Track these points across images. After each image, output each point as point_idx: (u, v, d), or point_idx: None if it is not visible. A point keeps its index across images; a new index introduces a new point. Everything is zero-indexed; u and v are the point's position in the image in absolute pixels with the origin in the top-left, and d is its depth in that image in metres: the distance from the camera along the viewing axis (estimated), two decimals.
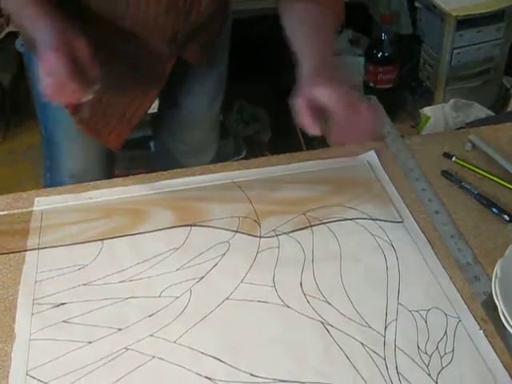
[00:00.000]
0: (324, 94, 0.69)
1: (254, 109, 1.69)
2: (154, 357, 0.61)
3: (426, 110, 1.43)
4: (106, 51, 0.78)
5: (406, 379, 0.60)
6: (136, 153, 1.64)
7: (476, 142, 0.90)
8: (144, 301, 0.67)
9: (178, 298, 0.67)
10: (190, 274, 0.70)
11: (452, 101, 1.45)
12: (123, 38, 0.85)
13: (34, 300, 0.67)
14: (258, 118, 1.70)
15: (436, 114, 1.44)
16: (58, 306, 0.66)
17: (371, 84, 1.61)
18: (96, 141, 1.00)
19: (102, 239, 0.74)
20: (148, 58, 0.83)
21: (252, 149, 1.62)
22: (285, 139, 1.61)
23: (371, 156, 0.88)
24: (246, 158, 1.54)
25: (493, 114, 1.42)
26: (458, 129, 1.30)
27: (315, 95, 0.69)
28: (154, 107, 1.09)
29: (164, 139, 1.22)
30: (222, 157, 0.81)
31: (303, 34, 0.83)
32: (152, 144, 1.30)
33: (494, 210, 0.80)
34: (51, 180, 1.11)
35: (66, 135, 1.04)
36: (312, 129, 0.69)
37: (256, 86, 0.90)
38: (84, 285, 0.69)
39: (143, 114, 0.96)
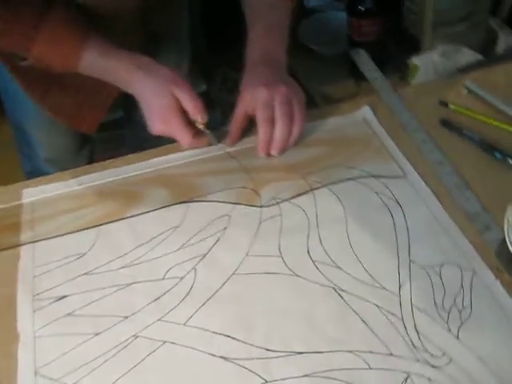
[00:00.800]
0: (254, 106, 0.76)
1: (237, 75, 1.65)
2: (164, 342, 0.59)
3: (414, 60, 1.39)
4: None
5: (426, 338, 0.58)
6: (112, 134, 1.60)
7: (472, 87, 0.87)
8: (148, 285, 0.64)
9: (182, 278, 0.65)
10: (193, 252, 0.67)
11: (440, 47, 1.41)
12: (97, 14, 0.81)
13: (34, 296, 0.64)
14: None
15: (424, 62, 1.39)
16: (60, 299, 0.64)
17: (355, 38, 1.57)
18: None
19: (98, 225, 0.71)
20: (117, 35, 0.79)
21: None
22: None
23: (366, 112, 0.84)
24: None
25: (482, 57, 1.39)
26: (450, 75, 1.26)
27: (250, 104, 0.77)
28: None
29: (134, 116, 1.18)
30: (210, 127, 0.78)
31: (256, 15, 0.84)
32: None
33: (498, 155, 0.77)
34: (31, 167, 1.09)
35: (38, 126, 1.01)
36: (231, 140, 0.80)
37: (237, 51, 0.87)
38: (84, 274, 0.66)
39: (116, 96, 0.92)
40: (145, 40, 0.92)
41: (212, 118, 0.78)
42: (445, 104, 0.85)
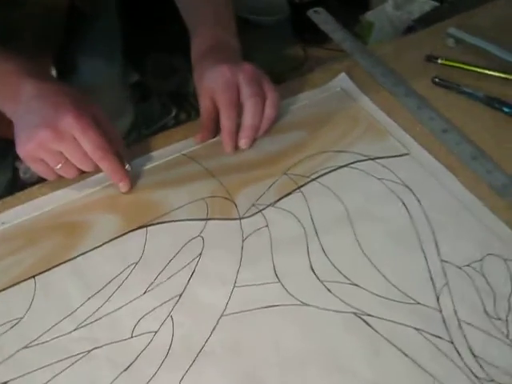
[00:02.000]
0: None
1: (171, 59, 1.48)
2: None
3: (368, 16, 1.26)
4: None
5: (487, 362, 0.45)
6: None
7: (458, 34, 0.74)
8: (113, 349, 0.48)
9: (156, 332, 0.49)
10: (164, 294, 0.51)
11: None
12: None
13: None
14: (177, 67, 1.49)
15: (378, 17, 1.26)
16: None
17: (296, 0, 1.42)
18: None
19: (34, 276, 0.54)
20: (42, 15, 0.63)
21: (181, 104, 1.41)
22: None
23: (344, 80, 0.70)
24: (177, 116, 1.35)
25: (437, 3, 1.27)
26: (410, 27, 1.14)
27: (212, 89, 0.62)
28: None
29: None
30: (148, 120, 0.62)
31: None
32: None
33: (506, 109, 0.65)
34: None
35: None
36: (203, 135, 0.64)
37: (166, 32, 0.72)
38: (25, 348, 0.49)
39: None
40: (71, 19, 0.75)
41: (150, 110, 0.63)
42: (433, 59, 0.71)
